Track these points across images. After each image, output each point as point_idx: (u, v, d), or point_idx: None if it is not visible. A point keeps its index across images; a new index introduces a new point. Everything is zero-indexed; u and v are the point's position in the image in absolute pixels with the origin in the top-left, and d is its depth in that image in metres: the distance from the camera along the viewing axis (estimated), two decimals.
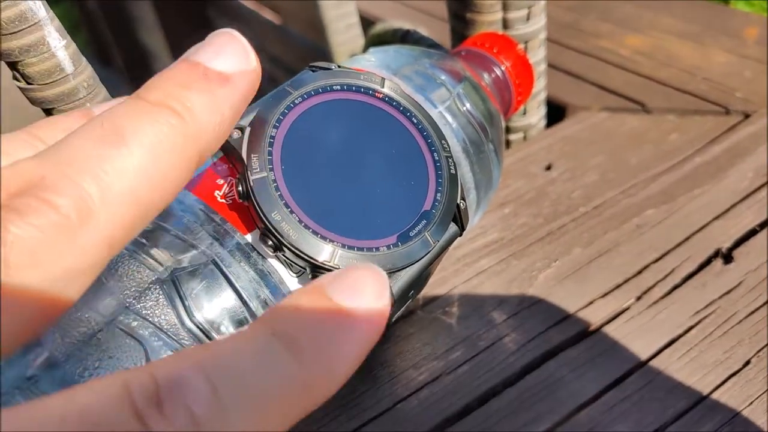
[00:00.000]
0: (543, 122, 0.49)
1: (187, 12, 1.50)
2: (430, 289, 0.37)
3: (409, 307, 0.36)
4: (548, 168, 0.45)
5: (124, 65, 1.81)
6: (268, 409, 0.13)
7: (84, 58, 0.30)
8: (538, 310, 0.36)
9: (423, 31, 0.52)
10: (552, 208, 0.42)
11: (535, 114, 0.48)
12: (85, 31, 1.93)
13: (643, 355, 0.34)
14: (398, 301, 0.27)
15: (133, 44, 1.78)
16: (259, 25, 1.26)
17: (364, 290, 0.15)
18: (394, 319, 0.33)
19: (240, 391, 0.13)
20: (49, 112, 0.31)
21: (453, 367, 0.34)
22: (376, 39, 0.57)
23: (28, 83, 0.29)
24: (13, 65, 0.29)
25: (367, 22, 0.70)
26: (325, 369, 0.14)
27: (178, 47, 1.46)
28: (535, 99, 0.47)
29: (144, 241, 0.25)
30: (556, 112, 0.52)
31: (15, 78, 0.30)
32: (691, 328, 0.35)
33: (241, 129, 0.26)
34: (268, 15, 1.26)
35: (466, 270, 0.39)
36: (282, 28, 1.19)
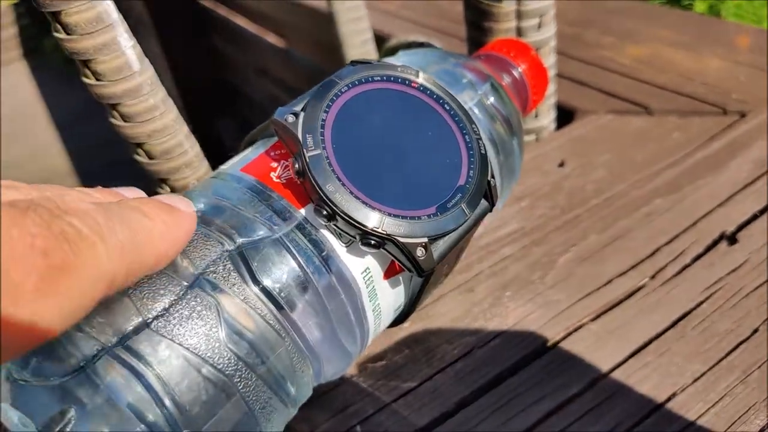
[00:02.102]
0: (553, 125, 0.53)
1: (192, 40, 1.54)
2: (457, 274, 0.40)
3: (441, 284, 0.39)
4: (561, 165, 0.49)
5: None
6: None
7: (146, 59, 0.33)
8: (561, 290, 0.39)
9: (437, 44, 0.56)
10: (566, 200, 0.45)
11: (546, 117, 0.51)
12: None
13: (660, 327, 0.36)
14: (438, 269, 0.30)
15: None
16: (263, 49, 1.30)
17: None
18: (430, 293, 0.35)
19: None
20: (114, 108, 0.34)
21: (484, 342, 0.36)
22: (390, 52, 0.60)
23: (98, 80, 0.32)
24: (84, 63, 0.32)
25: (379, 39, 0.74)
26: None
27: (181, 76, 1.50)
28: (546, 102, 0.50)
29: (214, 218, 0.28)
30: (564, 116, 0.55)
31: (84, 75, 0.33)
32: (702, 302, 0.38)
33: (296, 114, 0.29)
34: (271, 39, 1.29)
35: (490, 257, 0.41)
36: (286, 51, 1.22)
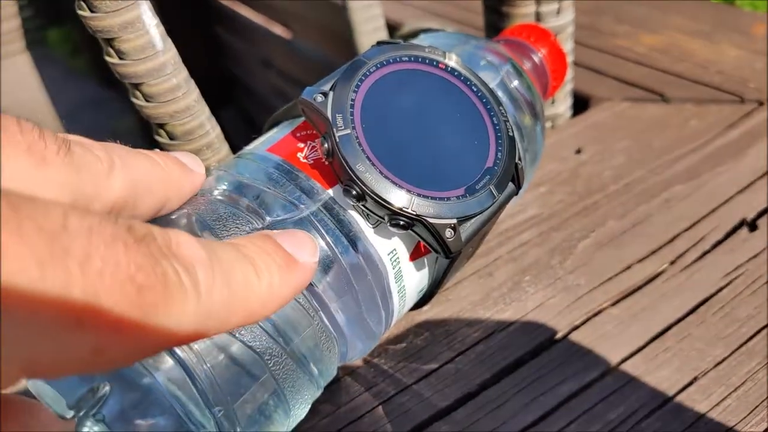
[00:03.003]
0: (569, 112, 0.53)
1: (196, 31, 1.53)
2: (476, 259, 0.40)
3: (464, 266, 0.39)
4: (578, 152, 0.48)
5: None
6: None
7: (169, 39, 0.33)
8: (580, 275, 0.39)
9: (451, 31, 0.55)
10: (585, 186, 0.45)
11: (562, 104, 0.51)
12: (88, 52, 1.96)
13: (680, 312, 0.36)
14: (464, 251, 0.30)
15: None
16: (268, 40, 1.29)
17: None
18: (452, 276, 0.35)
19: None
20: (136, 87, 0.34)
21: (505, 325, 0.36)
22: (405, 39, 0.60)
23: (121, 58, 0.32)
24: (108, 41, 0.32)
25: (390, 28, 0.73)
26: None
27: (185, 66, 1.49)
28: (563, 89, 0.50)
29: (242, 197, 0.28)
30: (580, 104, 0.55)
31: (107, 54, 0.32)
32: (722, 288, 0.38)
33: (324, 94, 0.28)
34: (277, 30, 1.29)
35: (509, 242, 0.41)
36: (292, 42, 1.22)
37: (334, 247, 0.27)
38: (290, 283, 0.20)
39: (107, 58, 0.33)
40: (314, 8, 0.98)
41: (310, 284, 0.26)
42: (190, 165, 0.26)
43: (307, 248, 0.21)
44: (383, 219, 0.28)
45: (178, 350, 0.22)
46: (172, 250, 0.15)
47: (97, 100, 1.72)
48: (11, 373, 0.13)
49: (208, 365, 0.23)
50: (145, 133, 0.42)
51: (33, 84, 1.89)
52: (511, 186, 0.31)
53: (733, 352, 0.34)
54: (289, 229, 0.25)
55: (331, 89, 0.29)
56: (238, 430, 0.23)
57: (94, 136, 0.23)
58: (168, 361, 0.22)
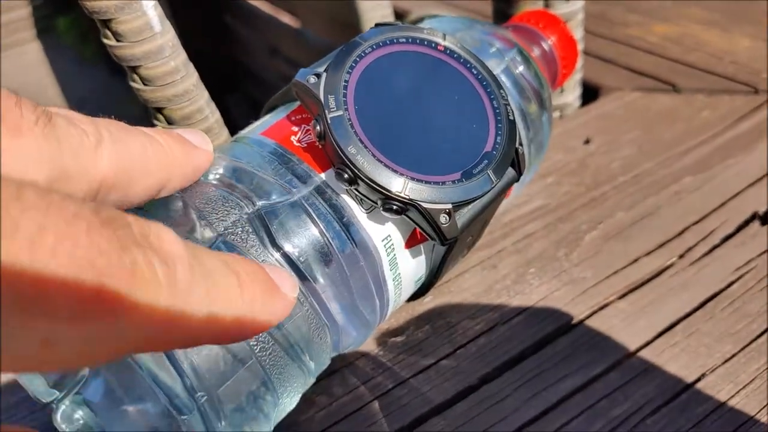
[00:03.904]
0: (578, 102, 0.51)
1: (203, 18, 1.53)
2: (480, 250, 0.39)
3: (464, 258, 0.38)
4: (587, 142, 0.47)
5: None
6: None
7: (168, 21, 0.32)
8: (587, 267, 0.38)
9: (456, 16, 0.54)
10: (593, 177, 0.44)
11: (571, 93, 0.50)
12: (96, 39, 1.96)
13: (689, 307, 0.35)
14: (462, 240, 0.29)
15: None
16: (276, 28, 1.28)
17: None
18: (453, 265, 0.35)
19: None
20: (134, 70, 0.33)
21: (508, 318, 0.36)
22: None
23: (118, 40, 0.31)
24: (105, 23, 0.31)
25: (397, 16, 0.72)
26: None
27: (192, 53, 1.48)
28: (572, 78, 0.49)
29: (234, 181, 0.27)
30: (589, 94, 0.54)
31: (104, 36, 0.32)
32: (732, 283, 0.37)
33: (318, 75, 0.28)
34: (285, 19, 1.28)
35: (514, 233, 0.40)
36: (299, 30, 1.21)
37: (325, 232, 0.26)
38: (271, 308, 0.18)
39: (105, 41, 0.32)
40: None
41: (299, 271, 0.26)
42: (196, 142, 0.25)
43: (288, 283, 0.20)
44: (376, 204, 0.27)
45: None
46: (150, 241, 0.14)
47: (107, 87, 1.72)
48: None
49: (193, 350, 0.22)
50: None
51: (44, 71, 1.89)
52: (511, 171, 0.30)
53: (742, 349, 0.33)
54: (271, 264, 0.24)
55: (324, 71, 0.28)
56: (222, 418, 0.23)
57: None
58: None
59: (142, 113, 0.35)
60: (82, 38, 1.90)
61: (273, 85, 1.41)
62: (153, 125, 0.36)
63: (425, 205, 0.26)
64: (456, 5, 0.76)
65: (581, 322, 0.35)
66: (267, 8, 1.32)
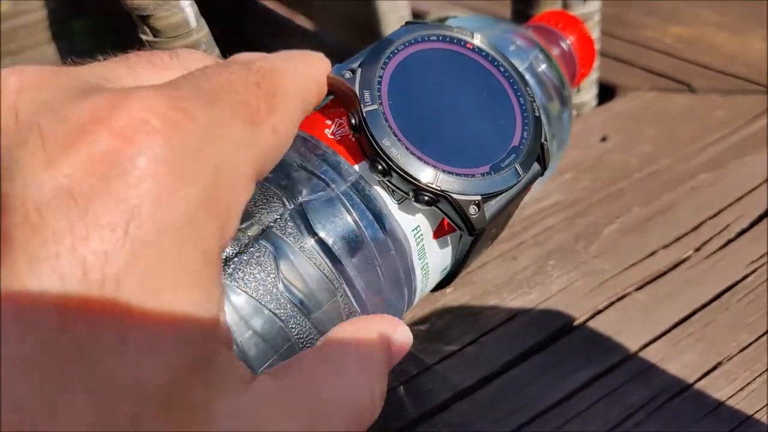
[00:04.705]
0: (595, 101, 0.53)
1: (222, 21, 1.54)
2: (500, 243, 0.40)
3: (486, 250, 0.39)
4: (603, 140, 0.48)
5: None
6: None
7: (203, 18, 0.34)
8: (605, 260, 0.39)
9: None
10: (610, 174, 0.45)
11: (588, 92, 0.51)
12: (111, 41, 1.98)
13: (705, 299, 0.36)
14: (487, 231, 0.30)
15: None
16: (293, 31, 1.30)
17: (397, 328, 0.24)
18: (477, 256, 0.36)
19: None
20: None
21: (528, 308, 0.37)
22: None
23: (156, 36, 0.33)
24: (143, 19, 0.32)
25: (415, 18, 0.73)
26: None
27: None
28: (588, 78, 0.50)
29: (271, 172, 0.28)
30: (605, 93, 0.55)
31: (142, 32, 0.33)
32: (747, 275, 0.37)
33: (353, 70, 0.29)
34: (300, 21, 1.30)
35: (534, 227, 0.42)
36: (315, 33, 1.22)
37: (359, 222, 0.27)
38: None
39: (142, 36, 0.33)
40: None
41: (335, 258, 0.27)
42: None
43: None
44: (408, 195, 0.28)
45: None
46: (260, 65, 0.21)
47: None
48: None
49: (235, 332, 0.23)
50: None
51: None
52: (536, 166, 0.31)
53: (758, 338, 0.34)
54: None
55: (359, 66, 0.29)
56: None
57: None
58: None
59: None
60: (96, 41, 1.92)
61: None
62: None
63: (455, 196, 0.27)
64: (473, 6, 0.77)
65: (600, 312, 0.36)
66: (285, 12, 1.34)
